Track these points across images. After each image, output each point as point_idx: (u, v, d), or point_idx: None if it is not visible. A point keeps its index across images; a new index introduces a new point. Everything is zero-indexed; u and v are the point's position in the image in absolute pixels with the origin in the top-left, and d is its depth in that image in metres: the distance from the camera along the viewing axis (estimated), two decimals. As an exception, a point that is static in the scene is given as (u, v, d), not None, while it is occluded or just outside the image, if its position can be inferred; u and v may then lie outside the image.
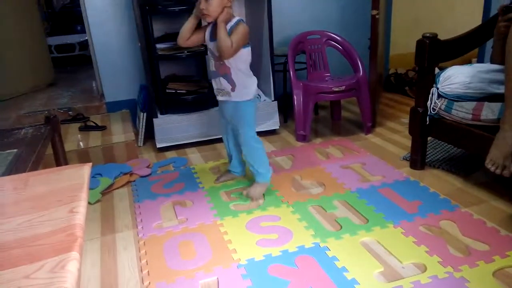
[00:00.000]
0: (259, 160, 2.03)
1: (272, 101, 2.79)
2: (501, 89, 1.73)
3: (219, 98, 1.99)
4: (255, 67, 3.03)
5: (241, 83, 1.90)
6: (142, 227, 1.84)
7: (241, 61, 1.88)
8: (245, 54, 1.88)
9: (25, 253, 0.68)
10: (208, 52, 1.95)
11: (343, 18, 3.44)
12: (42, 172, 1.01)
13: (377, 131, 2.81)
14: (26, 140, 1.69)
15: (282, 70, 3.00)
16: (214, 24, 1.84)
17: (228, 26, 1.82)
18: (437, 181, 2.09)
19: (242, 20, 1.86)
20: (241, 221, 1.84)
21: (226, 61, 1.86)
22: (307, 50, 2.92)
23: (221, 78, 1.92)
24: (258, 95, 2.78)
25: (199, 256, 1.62)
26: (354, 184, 2.10)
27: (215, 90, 1.99)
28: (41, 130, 1.80)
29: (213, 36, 1.86)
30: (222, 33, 1.77)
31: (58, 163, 1.95)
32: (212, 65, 1.95)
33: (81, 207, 0.82)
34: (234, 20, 1.84)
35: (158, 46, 2.66)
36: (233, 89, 1.92)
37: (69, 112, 2.99)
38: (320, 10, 3.37)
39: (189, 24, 1.87)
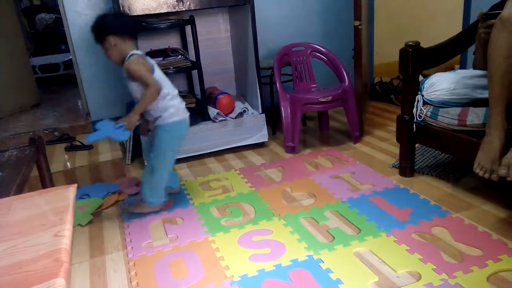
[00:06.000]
0: (149, 188, 2.01)
1: (260, 113, 2.79)
2: (485, 94, 1.76)
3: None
4: (242, 81, 3.06)
5: (156, 107, 1.91)
6: (132, 247, 1.81)
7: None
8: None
9: (8, 282, 0.66)
10: None
11: (327, 29, 3.49)
12: (25, 196, 0.98)
13: (365, 140, 2.83)
14: (10, 163, 1.66)
15: (268, 82, 3.01)
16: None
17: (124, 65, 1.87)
18: (427, 187, 2.10)
19: (135, 54, 1.86)
20: (233, 237, 1.81)
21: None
22: (293, 62, 2.94)
23: None
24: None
25: (191, 275, 1.58)
26: (344, 194, 2.09)
27: None
28: (25, 152, 1.77)
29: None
30: (140, 108, 1.87)
31: (44, 185, 1.92)
32: None
33: (67, 230, 0.80)
34: (127, 57, 1.86)
35: (143, 63, 2.64)
36: (154, 115, 1.94)
37: (55, 133, 2.95)
38: (304, 22, 3.41)
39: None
